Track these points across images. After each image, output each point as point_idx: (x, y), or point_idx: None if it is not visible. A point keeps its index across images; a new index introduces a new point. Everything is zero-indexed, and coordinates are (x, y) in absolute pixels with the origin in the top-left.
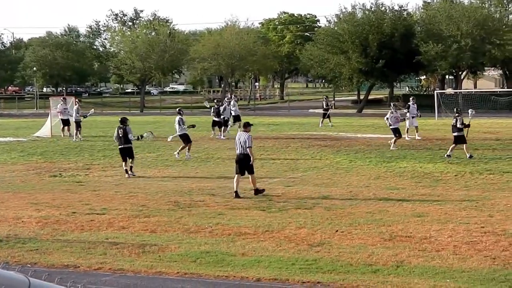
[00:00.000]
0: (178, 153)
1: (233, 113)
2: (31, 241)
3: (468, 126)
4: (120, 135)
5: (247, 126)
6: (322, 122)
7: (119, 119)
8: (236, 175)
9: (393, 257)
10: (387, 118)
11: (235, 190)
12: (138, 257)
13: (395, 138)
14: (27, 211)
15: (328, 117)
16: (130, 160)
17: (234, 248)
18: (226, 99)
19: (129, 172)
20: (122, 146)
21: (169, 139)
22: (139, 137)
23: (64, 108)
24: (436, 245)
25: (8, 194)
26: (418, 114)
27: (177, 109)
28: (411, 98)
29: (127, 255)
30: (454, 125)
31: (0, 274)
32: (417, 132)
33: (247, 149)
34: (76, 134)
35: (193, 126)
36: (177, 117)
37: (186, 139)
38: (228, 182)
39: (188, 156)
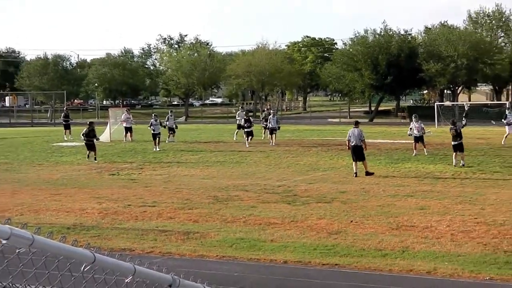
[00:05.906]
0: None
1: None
2: (94, 229)
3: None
4: (88, 133)
5: (358, 123)
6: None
7: (88, 122)
8: (354, 162)
9: (400, 243)
10: (410, 129)
11: (355, 172)
12: (183, 243)
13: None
14: (90, 203)
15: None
16: (94, 151)
17: (264, 236)
18: (271, 111)
19: (95, 160)
20: (88, 140)
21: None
22: (98, 138)
23: (127, 117)
24: (436, 233)
25: (75, 189)
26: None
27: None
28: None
29: (174, 241)
30: (454, 135)
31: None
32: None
33: (361, 141)
34: (170, 137)
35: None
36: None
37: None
38: (258, 180)
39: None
